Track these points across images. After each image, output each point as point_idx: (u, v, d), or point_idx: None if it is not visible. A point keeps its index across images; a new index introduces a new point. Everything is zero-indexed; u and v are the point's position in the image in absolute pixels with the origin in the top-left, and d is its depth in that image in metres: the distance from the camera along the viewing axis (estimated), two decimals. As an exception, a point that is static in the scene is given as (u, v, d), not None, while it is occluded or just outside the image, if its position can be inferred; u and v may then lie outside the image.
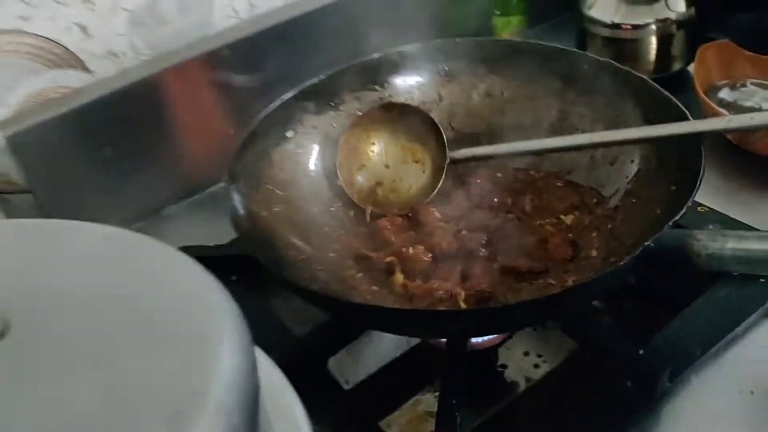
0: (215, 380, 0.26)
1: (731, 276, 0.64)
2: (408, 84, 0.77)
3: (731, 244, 0.47)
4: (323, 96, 0.74)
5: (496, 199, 0.71)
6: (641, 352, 0.57)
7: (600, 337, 0.59)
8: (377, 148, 0.74)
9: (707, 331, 0.61)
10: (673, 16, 0.86)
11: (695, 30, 0.88)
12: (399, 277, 0.64)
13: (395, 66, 0.77)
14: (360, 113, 0.75)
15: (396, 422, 0.64)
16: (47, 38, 0.76)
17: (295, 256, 0.65)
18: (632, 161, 0.67)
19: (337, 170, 0.72)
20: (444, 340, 0.60)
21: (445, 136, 0.72)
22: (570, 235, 0.66)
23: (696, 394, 0.58)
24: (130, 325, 0.28)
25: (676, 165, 0.61)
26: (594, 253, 0.63)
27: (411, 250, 0.65)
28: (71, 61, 0.78)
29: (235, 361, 0.27)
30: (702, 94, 0.79)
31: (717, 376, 0.59)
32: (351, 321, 0.63)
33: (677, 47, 0.88)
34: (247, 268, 0.61)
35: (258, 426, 0.29)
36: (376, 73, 0.76)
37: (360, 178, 0.73)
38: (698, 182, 0.55)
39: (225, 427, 0.25)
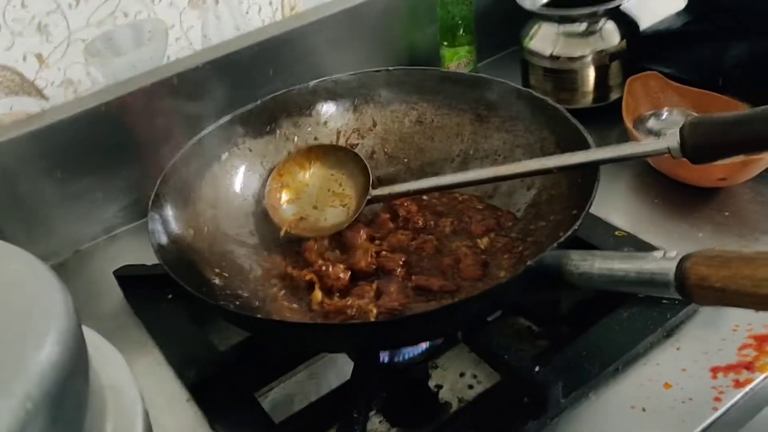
0: (23, 372, 0.29)
1: (637, 297, 0.66)
2: (343, 110, 0.81)
3: (598, 264, 0.50)
4: (259, 120, 0.78)
5: (420, 221, 0.74)
6: (537, 368, 0.60)
7: (501, 354, 0.61)
8: (309, 189, 0.77)
9: (608, 349, 0.63)
10: (607, 48, 0.89)
11: (630, 62, 0.91)
12: (318, 295, 0.67)
13: (331, 93, 0.80)
14: (296, 138, 0.79)
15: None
16: (4, 66, 0.80)
17: (219, 273, 0.68)
18: (546, 187, 0.70)
19: (266, 194, 0.75)
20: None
21: (371, 176, 0.75)
22: (483, 256, 0.68)
23: (591, 411, 0.60)
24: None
25: (578, 191, 0.64)
26: (502, 273, 0.66)
27: (331, 268, 0.68)
28: (28, 89, 0.83)
29: (53, 354, 0.30)
30: (627, 123, 0.82)
31: (613, 393, 0.61)
32: (258, 336, 0.65)
33: (613, 78, 0.91)
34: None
35: (82, 412, 0.31)
36: (312, 100, 0.80)
37: (287, 209, 0.76)
38: (586, 209, 0.57)
39: (28, 412, 0.28)
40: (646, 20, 1.04)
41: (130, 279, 0.79)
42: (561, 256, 0.52)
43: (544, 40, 0.92)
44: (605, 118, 0.90)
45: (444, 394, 0.72)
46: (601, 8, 0.88)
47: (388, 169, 0.80)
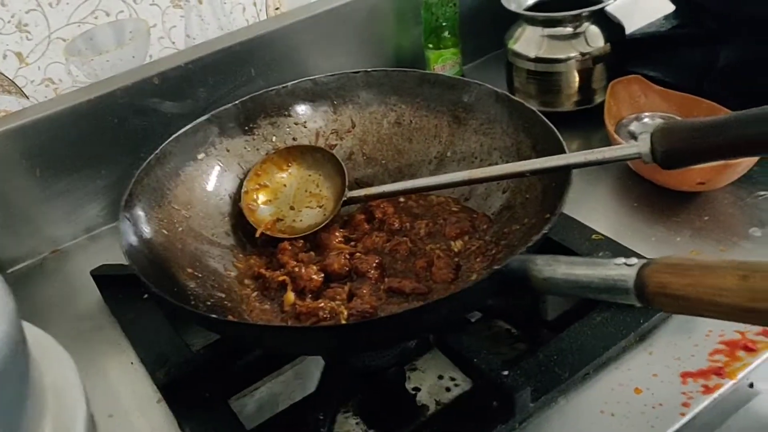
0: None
1: (610, 302, 0.65)
2: (322, 111, 0.81)
3: (562, 269, 0.49)
4: (237, 120, 0.78)
5: (396, 223, 0.74)
6: (506, 372, 0.59)
7: (471, 357, 0.61)
8: (287, 189, 0.77)
9: (579, 353, 0.62)
10: (591, 51, 0.89)
11: (616, 65, 0.91)
12: (290, 296, 0.67)
13: (310, 94, 0.80)
14: (274, 138, 0.79)
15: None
16: (-16, 64, 0.80)
17: (192, 274, 0.68)
18: (521, 190, 0.70)
19: (243, 194, 0.75)
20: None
21: (347, 178, 0.75)
22: (456, 259, 0.68)
23: (561, 415, 0.60)
24: None
25: (552, 194, 0.63)
26: (474, 276, 0.66)
27: (304, 270, 0.68)
28: (9, 87, 0.83)
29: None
30: (609, 127, 0.82)
31: (584, 397, 0.61)
32: (228, 339, 0.65)
33: (597, 81, 0.91)
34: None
35: (18, 412, 0.31)
36: (291, 101, 0.80)
37: (264, 210, 0.76)
38: (556, 213, 0.57)
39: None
40: (634, 23, 1.04)
41: (107, 279, 0.79)
42: (527, 261, 0.51)
43: (529, 42, 0.92)
44: (589, 121, 0.90)
45: (421, 397, 0.71)
46: (586, 11, 0.88)
47: (366, 171, 0.80)
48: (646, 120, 0.83)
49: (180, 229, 0.71)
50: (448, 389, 0.72)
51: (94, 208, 0.87)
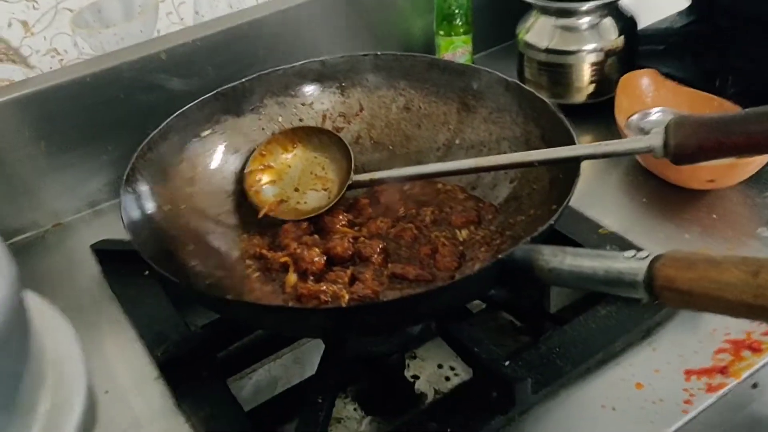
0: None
1: (616, 296, 0.65)
2: (330, 93, 0.80)
3: (569, 261, 0.49)
4: (244, 99, 0.77)
5: (401, 210, 0.73)
6: (506, 363, 0.59)
7: (472, 347, 0.61)
8: (292, 171, 0.76)
9: (582, 347, 0.62)
10: (604, 44, 0.88)
11: (628, 59, 0.90)
12: (292, 277, 0.66)
13: (318, 75, 0.79)
14: (280, 119, 0.78)
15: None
16: (-11, 33, 0.79)
17: (193, 251, 0.67)
18: (529, 181, 0.69)
19: (247, 174, 0.74)
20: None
21: (353, 162, 0.74)
22: (460, 248, 0.67)
23: (561, 408, 0.59)
24: None
25: (559, 186, 0.63)
26: (478, 266, 0.65)
27: (306, 252, 0.67)
28: (13, 56, 0.82)
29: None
30: (619, 120, 0.81)
31: (585, 391, 0.60)
32: (226, 317, 0.65)
33: (609, 74, 0.90)
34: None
35: (15, 382, 0.30)
36: (299, 81, 0.79)
37: (267, 190, 0.75)
38: (564, 205, 0.56)
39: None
40: (648, 18, 1.03)
41: (108, 253, 0.78)
42: (532, 251, 0.51)
43: (541, 33, 0.91)
44: (601, 114, 0.89)
45: (420, 385, 0.71)
46: (599, 3, 0.87)
47: (373, 155, 0.79)
48: (656, 115, 0.82)
49: (182, 206, 0.70)
50: (447, 378, 0.71)
51: (98, 183, 0.86)
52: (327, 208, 0.73)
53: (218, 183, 0.74)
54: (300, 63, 0.79)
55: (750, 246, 0.70)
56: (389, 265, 0.67)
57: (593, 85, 0.90)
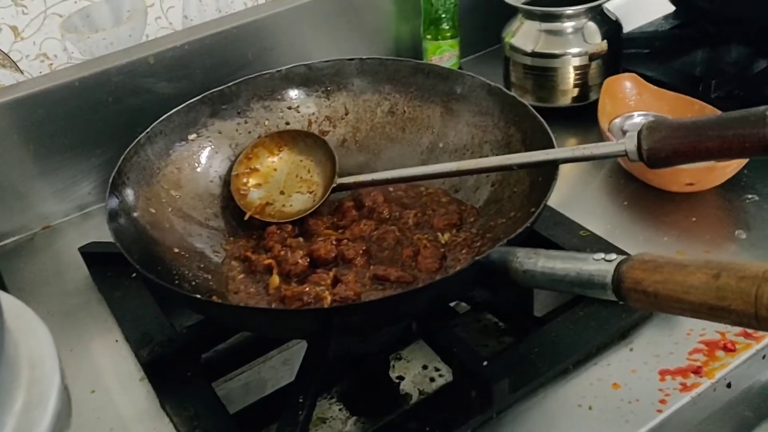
0: None
1: (593, 298, 0.66)
2: (316, 97, 0.81)
3: (541, 263, 0.50)
4: (230, 102, 0.78)
5: (385, 212, 0.74)
6: (485, 363, 0.60)
7: (453, 348, 0.61)
8: (277, 174, 0.77)
9: (560, 347, 0.63)
10: (588, 48, 0.89)
11: (612, 62, 0.91)
12: (275, 279, 0.67)
13: (304, 79, 0.80)
14: (267, 122, 0.79)
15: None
16: (-21, 37, 0.80)
17: (178, 254, 0.68)
18: (510, 184, 0.70)
19: (232, 178, 0.75)
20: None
21: (338, 165, 0.75)
22: (442, 250, 0.68)
23: (539, 407, 0.60)
24: None
25: (539, 189, 0.64)
26: (459, 267, 0.66)
27: (290, 254, 0.68)
28: (3, 60, 0.83)
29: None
30: (602, 124, 0.82)
31: (562, 390, 0.61)
32: (210, 320, 0.65)
33: (593, 78, 0.91)
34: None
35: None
36: (285, 85, 0.80)
37: (254, 194, 0.76)
38: (540, 207, 0.57)
39: None
40: (633, 22, 1.04)
41: (95, 256, 0.79)
42: (507, 253, 0.52)
43: (526, 36, 0.92)
44: (585, 117, 0.90)
45: (405, 386, 0.72)
46: (584, 7, 0.88)
47: (358, 158, 0.80)
48: (639, 119, 0.83)
49: (168, 208, 0.71)
50: (432, 379, 0.72)
51: (87, 186, 0.87)
52: (311, 210, 0.73)
53: (204, 186, 0.75)
54: (286, 67, 0.80)
55: (727, 248, 0.71)
56: (371, 267, 0.68)
57: (578, 88, 0.91)
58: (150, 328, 0.69)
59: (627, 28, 0.95)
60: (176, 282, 0.63)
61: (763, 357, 0.63)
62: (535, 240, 0.70)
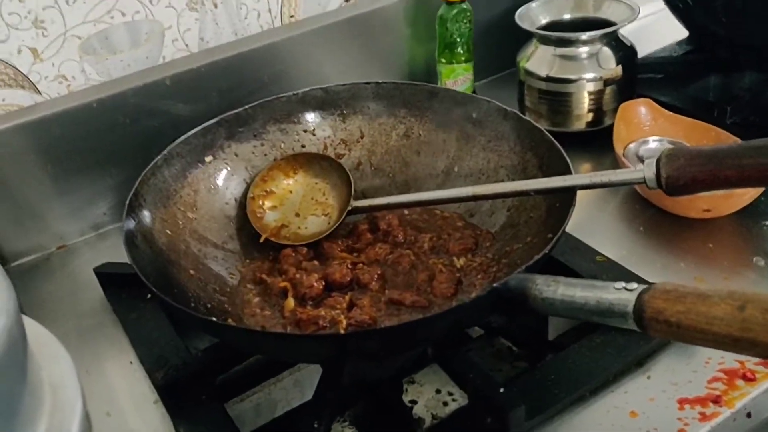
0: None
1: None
2: (331, 120, 0.81)
3: (561, 290, 0.49)
4: (246, 125, 0.78)
5: (400, 236, 0.74)
6: (501, 389, 0.59)
7: (469, 374, 0.61)
8: (293, 196, 0.78)
9: (577, 374, 0.62)
10: (603, 73, 0.89)
11: (627, 88, 0.91)
12: (291, 302, 0.67)
13: (320, 102, 0.81)
14: (283, 145, 0.79)
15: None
16: (-1, 59, 0.81)
17: (194, 276, 0.68)
18: (526, 209, 0.70)
19: (249, 199, 0.75)
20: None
21: (353, 188, 0.75)
22: (457, 275, 0.68)
23: (555, 434, 0.60)
24: None
25: (556, 215, 0.64)
26: (474, 293, 0.66)
27: (305, 277, 0.68)
28: (22, 82, 0.83)
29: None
30: (617, 149, 0.82)
31: (579, 418, 0.60)
32: (225, 343, 0.65)
33: (608, 103, 0.91)
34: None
35: (15, 406, 0.31)
36: (301, 108, 0.80)
37: (269, 216, 0.76)
38: (559, 234, 0.57)
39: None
40: (647, 47, 1.04)
41: (111, 277, 0.79)
42: (526, 280, 0.51)
43: (541, 61, 0.92)
44: (599, 142, 0.90)
45: (418, 410, 0.71)
46: (599, 33, 0.88)
47: (373, 182, 0.80)
48: (654, 144, 0.83)
49: (184, 230, 0.71)
50: (445, 404, 0.72)
51: (103, 206, 0.88)
52: (326, 233, 0.74)
53: (220, 208, 0.75)
54: (303, 90, 0.80)
55: (745, 275, 0.71)
56: (386, 291, 0.68)
57: (592, 113, 0.92)
58: (165, 350, 0.69)
59: (641, 53, 0.96)
60: (192, 304, 0.63)
61: (783, 387, 0.62)
62: (550, 265, 0.70)
